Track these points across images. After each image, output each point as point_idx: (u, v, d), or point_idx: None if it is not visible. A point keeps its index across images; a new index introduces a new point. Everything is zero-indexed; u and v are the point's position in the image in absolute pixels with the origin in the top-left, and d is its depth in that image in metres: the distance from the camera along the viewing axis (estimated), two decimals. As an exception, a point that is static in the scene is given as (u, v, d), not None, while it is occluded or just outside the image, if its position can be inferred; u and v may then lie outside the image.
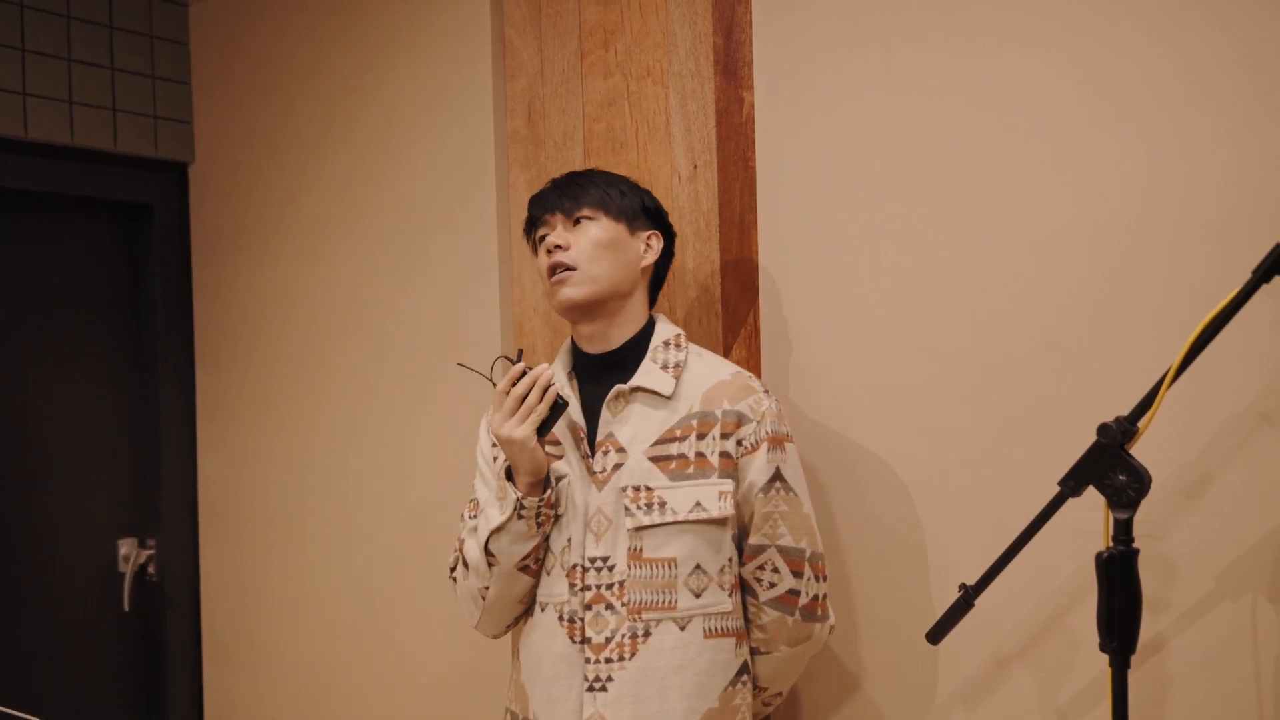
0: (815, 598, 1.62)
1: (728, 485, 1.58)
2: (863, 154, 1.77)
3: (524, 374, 1.56)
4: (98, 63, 2.59)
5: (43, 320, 2.65)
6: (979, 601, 1.48)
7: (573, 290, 1.62)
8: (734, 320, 1.94)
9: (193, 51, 2.75)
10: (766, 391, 1.63)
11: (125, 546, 2.76)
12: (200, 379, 2.78)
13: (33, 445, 2.62)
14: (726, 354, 1.93)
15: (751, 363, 1.91)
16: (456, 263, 2.25)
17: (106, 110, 2.60)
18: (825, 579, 1.64)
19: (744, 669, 1.63)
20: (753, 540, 1.61)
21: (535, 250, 1.72)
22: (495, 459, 1.69)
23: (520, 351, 1.62)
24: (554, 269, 1.63)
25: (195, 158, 2.76)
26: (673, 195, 1.98)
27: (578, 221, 1.65)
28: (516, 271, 2.20)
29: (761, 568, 1.60)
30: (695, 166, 1.97)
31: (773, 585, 1.60)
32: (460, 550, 1.69)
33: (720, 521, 1.58)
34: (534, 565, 1.63)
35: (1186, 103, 1.49)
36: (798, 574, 1.60)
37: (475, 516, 1.68)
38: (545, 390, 1.56)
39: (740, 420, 1.59)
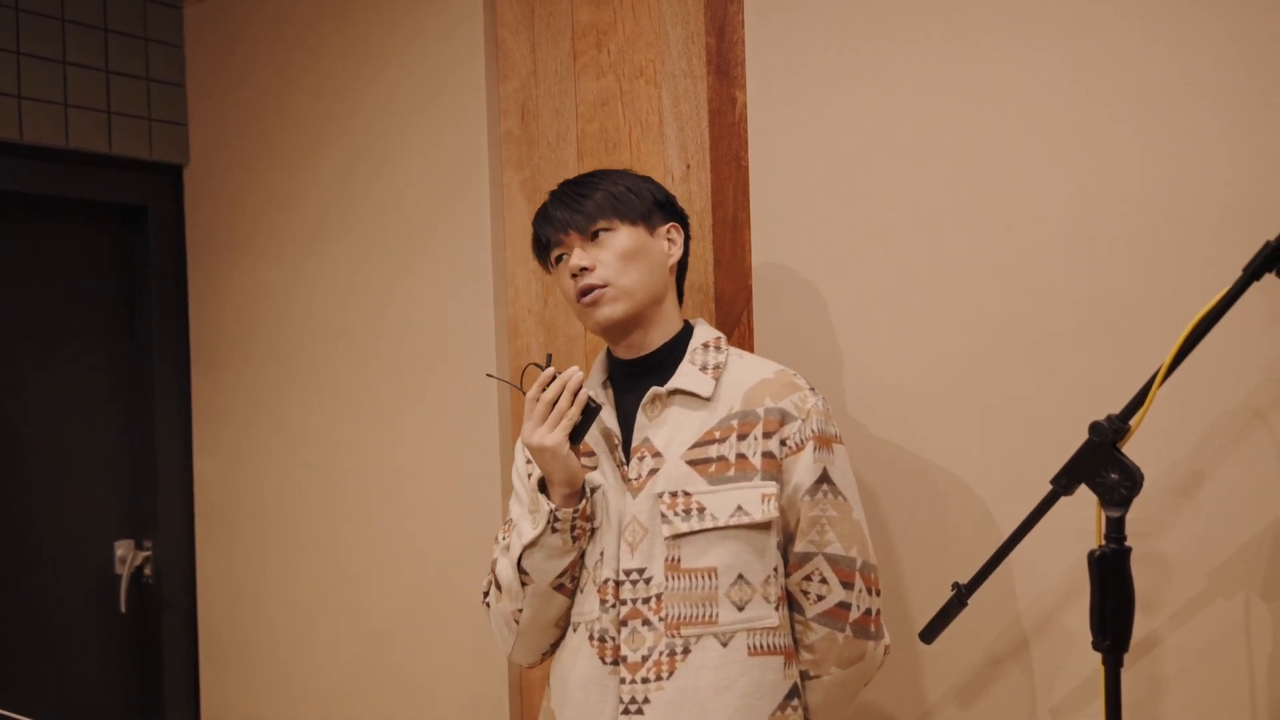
0: (868, 612, 1.50)
1: (771, 487, 1.47)
2: (856, 153, 1.77)
3: (553, 379, 1.48)
4: (92, 65, 2.59)
5: (39, 322, 2.65)
6: (971, 600, 1.48)
7: (610, 309, 1.53)
8: (728, 319, 1.94)
9: (187, 54, 2.75)
10: (813, 389, 1.54)
11: (121, 548, 2.76)
12: (196, 380, 2.78)
13: (29, 447, 2.62)
14: (720, 354, 1.93)
15: (745, 362, 1.90)
16: (450, 264, 2.25)
17: (101, 113, 2.60)
18: (879, 593, 1.52)
19: (794, 692, 1.50)
20: (798, 547, 1.50)
21: (548, 268, 1.63)
22: (530, 475, 1.58)
23: (550, 357, 1.53)
24: (584, 291, 1.53)
25: (190, 160, 2.76)
26: (666, 195, 1.98)
27: (595, 235, 1.55)
28: (510, 272, 2.20)
29: (808, 578, 1.49)
30: (688, 166, 1.97)
31: (821, 598, 1.49)
32: (493, 573, 1.59)
33: (763, 526, 1.47)
34: (569, 584, 1.54)
35: (1181, 102, 1.49)
36: (848, 585, 1.48)
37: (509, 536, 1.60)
38: (576, 394, 1.47)
39: (784, 418, 1.49)
